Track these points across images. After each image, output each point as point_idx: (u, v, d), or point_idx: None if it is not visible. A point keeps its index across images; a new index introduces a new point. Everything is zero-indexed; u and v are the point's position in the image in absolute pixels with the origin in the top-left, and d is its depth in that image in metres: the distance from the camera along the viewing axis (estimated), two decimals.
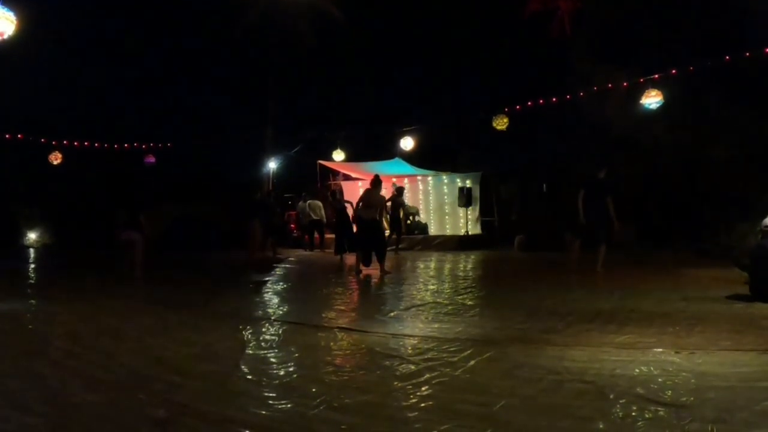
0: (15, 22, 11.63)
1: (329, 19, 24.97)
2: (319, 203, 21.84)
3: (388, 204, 21.29)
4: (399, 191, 20.56)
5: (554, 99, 19.42)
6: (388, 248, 19.33)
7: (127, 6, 29.60)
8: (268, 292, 11.33)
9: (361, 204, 13.70)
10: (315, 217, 21.61)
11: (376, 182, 13.83)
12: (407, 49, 28.47)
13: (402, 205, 20.25)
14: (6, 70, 21.30)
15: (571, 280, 11.75)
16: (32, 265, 18.56)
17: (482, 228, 23.49)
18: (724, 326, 6.87)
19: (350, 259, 16.70)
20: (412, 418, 4.15)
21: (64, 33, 26.30)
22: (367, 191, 13.85)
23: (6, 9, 11.60)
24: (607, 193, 12.68)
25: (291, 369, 5.47)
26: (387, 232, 21.90)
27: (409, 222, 22.37)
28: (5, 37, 11.73)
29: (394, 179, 24.07)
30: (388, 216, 22.03)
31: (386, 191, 22.99)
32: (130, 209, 13.04)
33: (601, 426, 3.93)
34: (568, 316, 7.65)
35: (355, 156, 24.78)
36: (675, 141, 18.73)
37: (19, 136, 22.08)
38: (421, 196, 24.44)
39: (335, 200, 18.77)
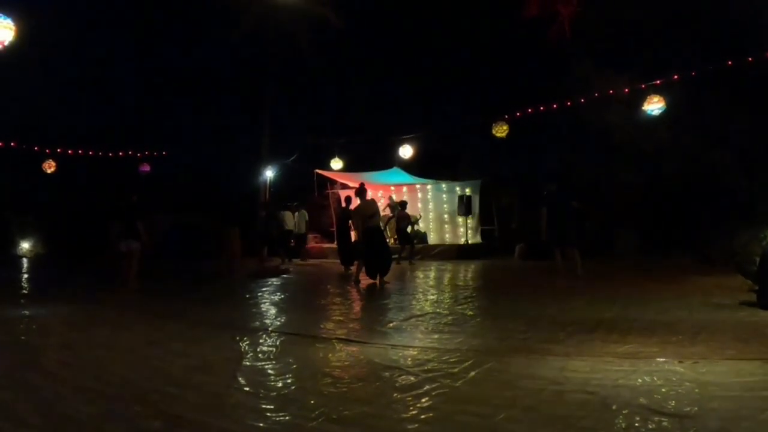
0: (14, 29, 11.59)
1: (328, 27, 25.00)
2: (290, 213, 21.93)
3: (390, 215, 21.27)
4: (403, 205, 20.52)
5: (555, 105, 19.40)
6: (402, 257, 19.39)
7: (123, 14, 29.65)
8: (265, 302, 11.27)
9: (361, 219, 13.62)
10: (286, 228, 21.63)
11: (363, 191, 13.80)
12: (405, 56, 28.47)
13: (402, 218, 20.22)
14: None
15: (573, 289, 11.68)
16: (25, 275, 18.49)
17: (482, 237, 23.45)
18: (728, 335, 6.82)
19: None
20: (412, 429, 4.10)
21: (58, 40, 26.27)
22: (360, 205, 13.78)
23: (3, 17, 11.56)
24: (566, 200, 13.83)
25: (289, 380, 5.40)
26: (390, 241, 21.95)
27: (409, 230, 22.31)
28: (6, 44, 11.70)
29: (392, 188, 24.06)
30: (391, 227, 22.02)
31: (384, 200, 23.08)
32: (127, 219, 12.97)
33: None
34: (570, 326, 7.59)
35: (353, 165, 24.76)
36: (677, 146, 18.71)
37: (12, 144, 22.01)
38: (420, 205, 24.38)
39: (347, 209, 18.61)
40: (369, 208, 13.54)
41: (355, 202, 14.35)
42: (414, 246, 20.46)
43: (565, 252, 14.13)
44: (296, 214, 22.42)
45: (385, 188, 24.47)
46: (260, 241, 20.21)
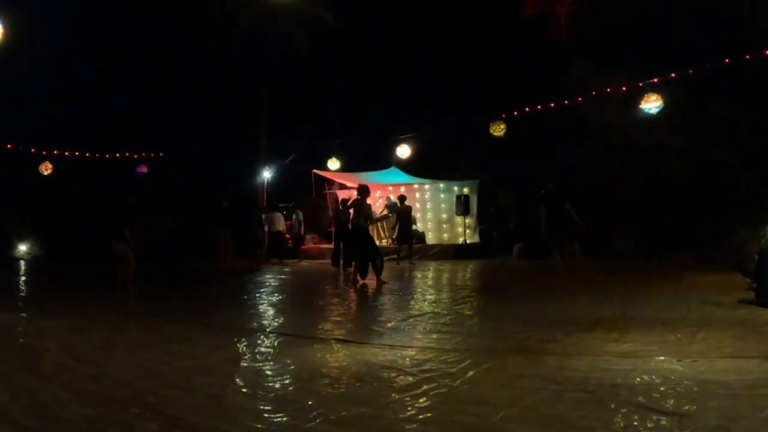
0: (2, 30, 11.51)
1: (325, 26, 24.96)
2: (279, 214, 22.00)
3: (387, 214, 21.21)
4: (402, 199, 20.45)
5: (552, 105, 19.38)
6: (401, 257, 19.33)
7: (119, 14, 29.53)
8: (262, 303, 11.27)
9: (351, 214, 13.77)
10: (276, 229, 21.67)
11: (361, 191, 13.86)
12: (403, 56, 28.42)
13: (403, 213, 20.11)
14: None
15: (571, 289, 11.68)
16: (23, 278, 18.44)
17: (480, 236, 23.41)
18: (727, 333, 6.81)
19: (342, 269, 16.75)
20: (411, 430, 4.09)
21: (54, 41, 26.18)
22: (355, 201, 13.87)
23: None
24: (563, 201, 14.39)
25: (287, 381, 5.40)
26: (386, 242, 21.91)
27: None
28: None
29: (390, 188, 24.03)
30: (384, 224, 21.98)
31: (382, 201, 23.08)
32: (117, 221, 12.94)
33: None
34: (568, 325, 7.59)
35: (350, 165, 24.72)
36: (675, 145, 18.70)
37: (8, 146, 21.92)
38: (418, 204, 24.35)
39: (342, 210, 18.62)
40: (360, 208, 13.60)
41: (354, 198, 14.42)
42: (412, 245, 20.38)
43: (564, 250, 14.31)
44: (293, 215, 22.45)
45: (383, 188, 24.44)
46: (252, 242, 20.21)
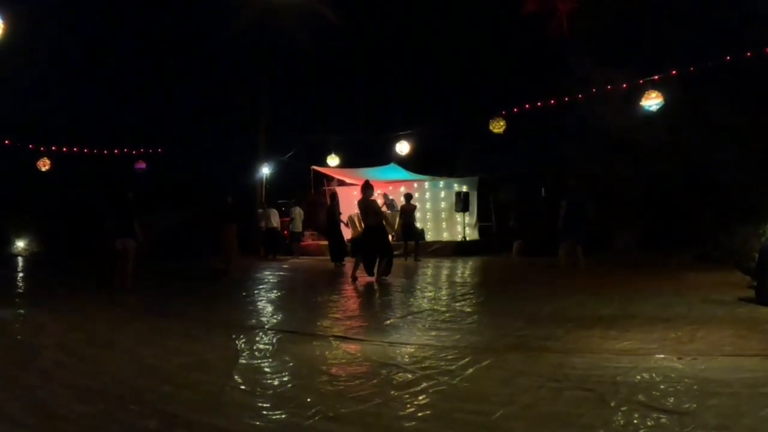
0: (2, 26, 11.47)
1: (324, 23, 24.94)
2: (275, 210, 22.09)
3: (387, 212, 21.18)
4: (408, 197, 20.38)
5: (552, 101, 19.35)
6: (409, 254, 19.30)
7: (119, 11, 29.55)
8: (261, 300, 11.26)
9: (358, 214, 13.72)
10: (271, 225, 21.75)
11: (364, 187, 13.75)
12: (404, 53, 28.45)
13: (407, 211, 20.04)
14: None
15: (571, 286, 11.67)
16: (20, 274, 18.42)
17: (480, 233, 23.40)
18: (727, 331, 6.79)
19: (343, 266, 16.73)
20: (410, 427, 4.07)
21: (53, 37, 26.19)
22: (358, 201, 13.78)
23: None
24: (582, 200, 14.90)
25: (285, 379, 5.38)
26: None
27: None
28: None
29: (389, 185, 24.03)
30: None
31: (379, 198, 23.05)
32: (123, 217, 12.90)
33: None
34: (568, 323, 7.57)
35: (349, 161, 24.70)
36: (675, 143, 18.68)
37: (6, 141, 21.87)
38: (417, 202, 24.34)
39: (333, 205, 18.63)
40: (364, 205, 13.52)
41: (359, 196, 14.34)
42: (418, 243, 20.22)
43: (567, 247, 14.37)
44: (291, 211, 22.50)
45: (382, 185, 24.43)
46: (257, 238, 20.22)
